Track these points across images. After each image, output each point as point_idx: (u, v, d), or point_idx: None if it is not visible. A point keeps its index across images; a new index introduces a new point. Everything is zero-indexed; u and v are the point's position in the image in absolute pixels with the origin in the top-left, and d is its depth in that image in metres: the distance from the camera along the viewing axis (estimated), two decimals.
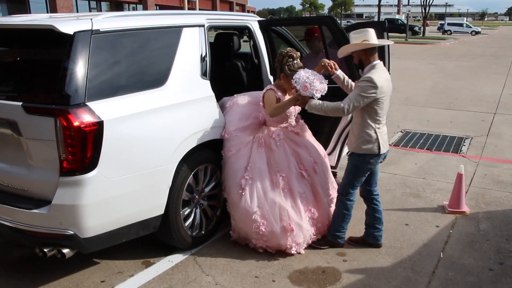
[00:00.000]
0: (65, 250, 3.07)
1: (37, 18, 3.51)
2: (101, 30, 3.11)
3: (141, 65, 3.42)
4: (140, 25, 3.44)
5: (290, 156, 3.86)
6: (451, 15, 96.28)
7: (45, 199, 3.02)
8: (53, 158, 2.95)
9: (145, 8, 30.66)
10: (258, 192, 3.75)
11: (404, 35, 38.58)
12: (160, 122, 3.37)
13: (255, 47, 4.74)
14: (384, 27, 5.06)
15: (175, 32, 3.67)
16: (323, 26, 4.45)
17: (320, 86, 3.57)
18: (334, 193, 4.05)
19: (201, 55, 3.86)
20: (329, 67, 3.80)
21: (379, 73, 3.56)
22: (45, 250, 3.06)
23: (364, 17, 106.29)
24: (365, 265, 3.73)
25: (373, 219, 3.97)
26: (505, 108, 10.17)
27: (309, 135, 4.14)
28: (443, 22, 60.73)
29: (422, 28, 46.31)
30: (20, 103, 2.98)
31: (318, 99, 3.62)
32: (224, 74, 4.90)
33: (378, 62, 3.63)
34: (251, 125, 4.05)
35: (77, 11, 23.92)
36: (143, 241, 3.98)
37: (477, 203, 4.98)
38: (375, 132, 3.65)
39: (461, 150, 6.97)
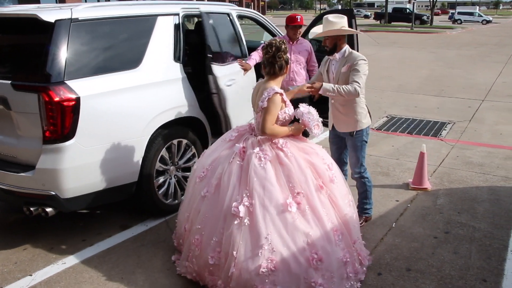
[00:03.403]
0: (48, 209, 3.56)
1: (25, 8, 3.95)
2: (79, 18, 3.56)
3: (117, 49, 3.87)
4: (117, 14, 3.89)
5: (305, 168, 3.17)
6: (464, 3, 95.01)
7: (31, 164, 3.49)
8: (37, 129, 3.41)
9: None
10: (270, 221, 3.00)
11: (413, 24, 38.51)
12: (132, 99, 3.82)
13: (236, 31, 5.13)
14: (352, 14, 5.44)
15: (149, 20, 4.12)
16: None
17: (322, 127, 3.41)
18: (351, 196, 3.52)
19: (175, 41, 4.28)
20: (312, 92, 3.75)
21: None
22: (31, 209, 3.55)
23: (375, 6, 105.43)
24: None
25: None
26: (494, 95, 10.41)
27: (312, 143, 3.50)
28: (454, 11, 60.13)
29: (430, 17, 45.98)
30: (9, 81, 3.44)
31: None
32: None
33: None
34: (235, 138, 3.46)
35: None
36: (122, 208, 4.48)
37: (441, 181, 5.33)
38: (365, 105, 4.00)
39: (440, 134, 7.28)
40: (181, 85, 4.28)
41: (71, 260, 3.67)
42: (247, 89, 4.70)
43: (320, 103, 4.00)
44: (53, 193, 3.46)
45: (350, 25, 5.56)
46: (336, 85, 3.70)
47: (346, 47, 3.87)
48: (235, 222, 3.00)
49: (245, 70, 4.78)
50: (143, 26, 4.06)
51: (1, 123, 3.65)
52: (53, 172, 3.41)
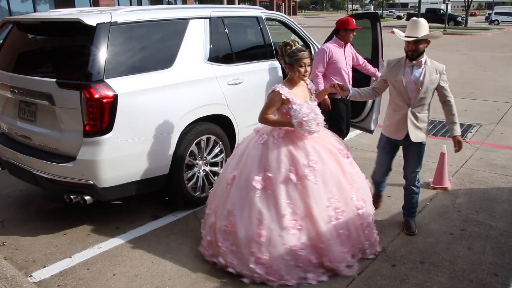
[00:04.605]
0: (87, 197, 3.90)
1: (68, 12, 4.32)
2: (118, 22, 3.88)
3: (151, 50, 4.19)
4: (152, 17, 4.21)
5: (283, 157, 3.49)
6: (503, 3, 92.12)
7: (72, 155, 3.83)
8: (78, 123, 3.74)
9: (184, 2, 31.41)
10: (239, 189, 3.52)
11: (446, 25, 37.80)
12: (165, 97, 4.12)
13: (263, 33, 5.38)
14: (377, 18, 5.58)
15: (182, 23, 4.42)
16: None
17: (314, 127, 3.49)
18: (342, 205, 3.56)
19: (206, 42, 4.56)
20: (337, 90, 3.86)
21: None
22: (71, 197, 3.89)
23: (409, 6, 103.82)
24: None
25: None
26: None
27: (321, 142, 3.66)
28: (491, 11, 58.47)
29: (465, 18, 44.91)
30: (54, 80, 3.78)
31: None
32: None
33: None
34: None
35: (119, 5, 24.94)
36: (154, 200, 4.80)
37: (462, 182, 5.42)
38: None
39: (465, 136, 7.28)
40: (211, 84, 4.56)
41: (106, 245, 3.99)
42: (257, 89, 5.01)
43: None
44: (91, 182, 3.79)
45: (375, 29, 5.71)
46: (454, 116, 3.91)
47: (425, 55, 3.84)
48: (227, 187, 3.60)
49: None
50: (176, 29, 4.37)
51: (46, 117, 4.01)
52: (92, 163, 3.74)
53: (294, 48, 3.63)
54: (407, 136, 3.95)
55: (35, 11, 20.51)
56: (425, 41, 3.74)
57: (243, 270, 3.42)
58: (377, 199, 4.56)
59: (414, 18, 3.74)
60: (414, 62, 3.80)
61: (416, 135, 3.95)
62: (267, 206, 3.40)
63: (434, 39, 3.81)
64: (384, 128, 4.17)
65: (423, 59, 3.78)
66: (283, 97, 3.56)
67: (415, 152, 4.07)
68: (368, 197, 3.84)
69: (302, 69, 3.61)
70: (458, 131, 3.94)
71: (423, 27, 3.68)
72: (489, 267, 3.63)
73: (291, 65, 3.62)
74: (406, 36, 3.73)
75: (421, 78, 3.79)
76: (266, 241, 3.35)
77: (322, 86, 5.12)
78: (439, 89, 3.87)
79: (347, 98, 4.06)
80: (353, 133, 7.25)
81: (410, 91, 3.82)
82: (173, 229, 4.27)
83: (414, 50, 3.73)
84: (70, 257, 3.82)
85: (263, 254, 3.36)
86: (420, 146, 4.04)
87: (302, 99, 3.65)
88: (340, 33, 5.29)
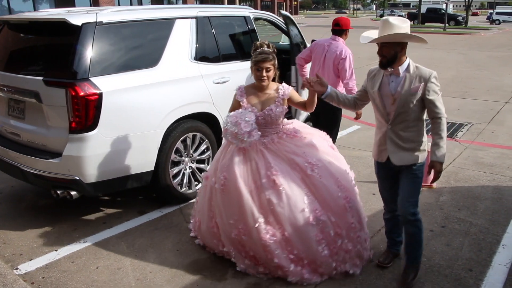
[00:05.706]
0: (73, 193, 3.99)
1: (56, 12, 4.42)
2: (104, 22, 3.98)
3: (137, 49, 4.28)
4: (138, 17, 4.31)
5: (216, 161, 3.67)
6: (505, 3, 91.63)
7: (58, 152, 3.92)
8: (64, 120, 3.84)
9: (184, 2, 31.39)
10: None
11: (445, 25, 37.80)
12: (150, 95, 4.21)
13: (250, 32, 5.48)
14: (290, 18, 5.86)
15: (168, 23, 4.51)
16: None
17: (231, 139, 3.39)
18: (243, 228, 3.39)
19: (192, 42, 4.65)
20: (308, 84, 3.42)
21: None
22: (58, 192, 3.99)
23: (411, 6, 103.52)
24: None
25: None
26: None
27: (251, 156, 3.47)
28: (493, 11, 58.34)
29: (465, 18, 44.82)
30: (41, 78, 3.88)
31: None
32: None
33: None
34: None
35: (119, 5, 24.94)
36: (141, 196, 4.90)
37: (448, 180, 5.49)
38: None
39: (456, 135, 7.36)
40: (197, 82, 4.65)
41: (92, 239, 4.08)
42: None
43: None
44: (77, 178, 3.88)
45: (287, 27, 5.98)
46: (439, 136, 3.08)
47: (409, 60, 3.14)
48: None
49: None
50: (162, 28, 4.46)
51: (34, 115, 4.10)
52: (77, 159, 3.83)
53: (259, 50, 3.44)
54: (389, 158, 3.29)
55: (35, 10, 20.62)
56: (396, 44, 3.04)
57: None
58: (387, 255, 3.74)
59: (385, 17, 3.14)
60: (390, 70, 3.13)
61: (400, 158, 3.22)
62: (203, 198, 3.75)
63: (401, 40, 3.07)
64: (373, 149, 3.51)
65: (402, 67, 3.10)
66: (236, 98, 3.61)
67: (407, 176, 3.27)
68: (299, 236, 3.35)
69: (258, 73, 3.44)
70: (438, 156, 3.08)
71: (390, 27, 3.02)
72: (465, 263, 3.71)
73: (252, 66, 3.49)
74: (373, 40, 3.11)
75: (399, 88, 3.10)
76: (197, 225, 3.90)
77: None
78: (426, 103, 3.09)
79: (322, 97, 3.44)
80: (344, 131, 7.34)
81: (388, 105, 3.17)
82: (158, 224, 4.36)
83: (383, 55, 3.09)
84: (56, 250, 3.91)
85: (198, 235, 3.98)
86: (412, 169, 3.25)
87: (258, 105, 3.53)
88: (346, 33, 5.23)
